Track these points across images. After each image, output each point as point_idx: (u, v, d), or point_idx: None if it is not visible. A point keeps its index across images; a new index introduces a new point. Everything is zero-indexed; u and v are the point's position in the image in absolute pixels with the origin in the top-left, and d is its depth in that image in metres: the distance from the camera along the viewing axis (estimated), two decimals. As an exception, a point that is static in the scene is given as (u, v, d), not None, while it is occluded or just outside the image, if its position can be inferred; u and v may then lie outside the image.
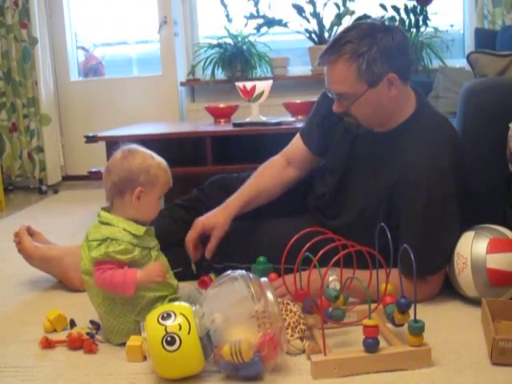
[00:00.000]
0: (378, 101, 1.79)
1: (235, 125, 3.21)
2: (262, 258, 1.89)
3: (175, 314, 1.42)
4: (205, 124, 3.54)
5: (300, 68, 4.52)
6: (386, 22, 1.79)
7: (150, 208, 1.68)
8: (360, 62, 1.73)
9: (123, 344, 1.59)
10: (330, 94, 1.86)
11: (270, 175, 2.12)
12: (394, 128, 1.87)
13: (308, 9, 4.17)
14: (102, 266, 1.57)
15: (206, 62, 4.38)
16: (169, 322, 1.41)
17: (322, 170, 2.13)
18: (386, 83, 1.76)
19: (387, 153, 1.87)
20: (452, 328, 1.67)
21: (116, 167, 1.66)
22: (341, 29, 4.09)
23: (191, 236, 1.97)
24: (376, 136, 1.89)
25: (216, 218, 1.99)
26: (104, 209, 1.68)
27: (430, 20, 4.12)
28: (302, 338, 1.55)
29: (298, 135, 2.17)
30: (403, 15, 4.11)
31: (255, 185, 2.10)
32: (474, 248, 1.78)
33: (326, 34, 4.22)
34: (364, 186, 1.92)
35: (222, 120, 3.53)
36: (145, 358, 1.51)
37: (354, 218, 1.94)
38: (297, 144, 2.15)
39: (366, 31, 1.75)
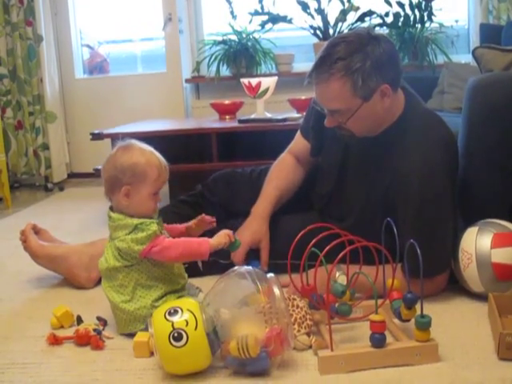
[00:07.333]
0: (372, 112, 1.76)
1: (240, 121, 3.21)
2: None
3: (182, 310, 1.43)
4: (210, 120, 3.54)
5: (305, 64, 4.50)
6: (371, 32, 1.73)
7: (143, 205, 1.65)
8: (355, 79, 1.68)
9: (133, 335, 1.59)
10: (319, 108, 1.82)
11: (286, 175, 2.13)
12: (382, 131, 1.84)
13: (312, 5, 4.16)
14: (157, 241, 1.59)
15: (210, 58, 4.39)
16: (176, 318, 1.41)
17: (320, 170, 2.13)
18: (379, 94, 1.73)
19: (379, 155, 1.85)
20: (459, 323, 1.67)
21: (106, 165, 1.66)
22: (345, 25, 4.12)
23: (241, 255, 1.94)
24: (367, 138, 1.85)
25: (259, 232, 2.00)
26: (111, 208, 1.68)
27: (434, 15, 4.12)
28: (308, 334, 1.55)
29: (298, 132, 2.17)
30: (408, 11, 4.11)
31: (276, 187, 2.10)
32: (478, 243, 1.78)
33: (331, 30, 4.21)
34: (360, 187, 1.91)
35: (227, 116, 3.53)
36: (152, 354, 1.51)
37: (355, 218, 1.93)
38: (299, 140, 2.16)
39: (355, 45, 1.69)
